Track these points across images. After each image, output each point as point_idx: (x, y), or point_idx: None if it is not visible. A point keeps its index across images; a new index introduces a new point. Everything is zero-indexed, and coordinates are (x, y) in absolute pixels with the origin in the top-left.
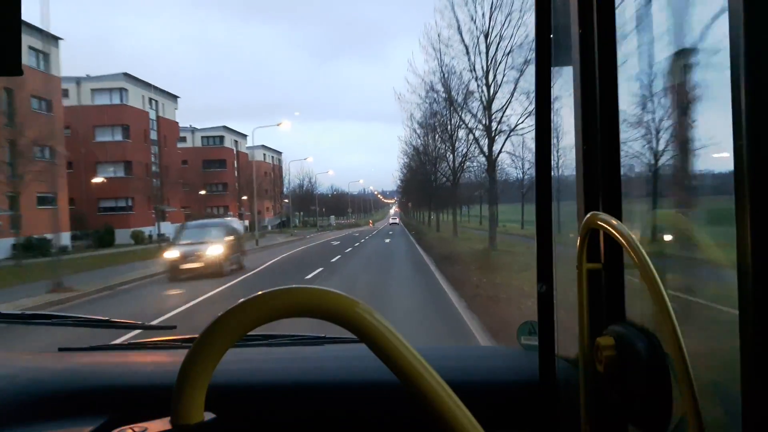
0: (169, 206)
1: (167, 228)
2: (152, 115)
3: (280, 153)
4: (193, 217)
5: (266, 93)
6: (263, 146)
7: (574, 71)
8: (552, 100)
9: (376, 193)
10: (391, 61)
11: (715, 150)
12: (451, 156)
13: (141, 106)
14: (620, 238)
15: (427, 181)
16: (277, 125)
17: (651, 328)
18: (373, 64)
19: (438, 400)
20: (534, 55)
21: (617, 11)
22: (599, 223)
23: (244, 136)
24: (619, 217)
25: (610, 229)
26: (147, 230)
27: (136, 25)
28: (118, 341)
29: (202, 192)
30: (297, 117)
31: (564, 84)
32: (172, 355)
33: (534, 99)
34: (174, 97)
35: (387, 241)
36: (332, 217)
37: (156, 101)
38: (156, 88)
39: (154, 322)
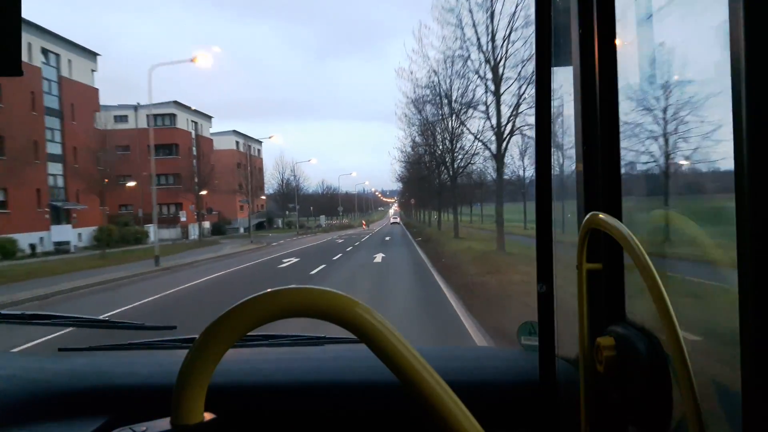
0: (76, 203)
1: (70, 234)
2: (51, 74)
3: (259, 142)
4: (113, 219)
5: (264, 92)
6: (234, 131)
7: (574, 71)
8: (552, 100)
9: (375, 191)
10: (390, 60)
11: (716, 149)
12: (495, 105)
13: (26, 59)
14: (620, 238)
15: (437, 166)
16: (191, 60)
17: (651, 328)
18: (372, 63)
19: (438, 400)
20: (534, 55)
21: (617, 11)
22: (599, 223)
23: (209, 117)
24: (619, 217)
25: (610, 229)
26: (35, 237)
27: (132, 23)
28: (118, 341)
29: (131, 183)
30: (219, 54)
31: (564, 84)
32: (172, 355)
33: (534, 99)
34: (90, 54)
35: (378, 259)
36: (323, 217)
37: (57, 55)
38: (54, 35)
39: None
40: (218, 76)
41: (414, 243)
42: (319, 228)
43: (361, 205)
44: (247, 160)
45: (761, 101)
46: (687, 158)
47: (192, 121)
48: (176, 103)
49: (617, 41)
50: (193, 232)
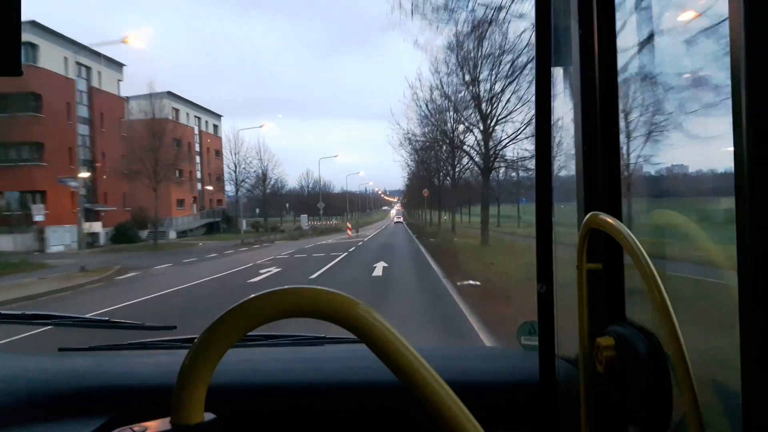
0: None
1: None
2: None
3: (218, 116)
4: None
5: (264, 90)
6: (169, 93)
7: (574, 71)
8: (552, 100)
9: (377, 191)
10: (391, 57)
11: (716, 149)
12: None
13: None
14: (620, 238)
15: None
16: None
17: (651, 328)
18: (373, 61)
19: (438, 400)
20: (534, 55)
21: (617, 11)
22: (599, 223)
23: (116, 65)
24: (619, 217)
25: (610, 229)
26: None
27: (129, 16)
28: (118, 341)
29: None
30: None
31: (564, 84)
32: (172, 355)
33: (534, 99)
34: None
35: None
36: (304, 217)
37: None
38: None
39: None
40: (218, 72)
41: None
42: (298, 231)
43: (364, 204)
44: (197, 140)
45: (761, 101)
46: (687, 158)
47: (77, 63)
48: (36, 25)
49: (617, 41)
50: (67, 238)
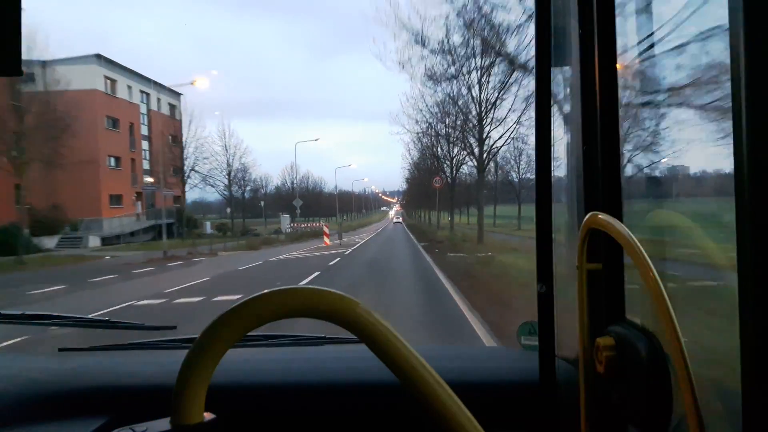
0: None
1: None
2: None
3: (176, 95)
4: None
5: (263, 91)
6: (98, 56)
7: (574, 71)
8: (552, 100)
9: (375, 190)
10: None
11: (716, 150)
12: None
13: None
14: (620, 238)
15: None
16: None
17: (651, 328)
18: (374, 63)
19: (438, 400)
20: (534, 55)
21: (617, 11)
22: (599, 223)
23: None
24: (619, 217)
25: (610, 229)
26: None
27: (129, 17)
28: (118, 341)
29: None
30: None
31: (564, 84)
32: (172, 355)
33: (534, 99)
34: None
35: None
36: (286, 217)
37: None
38: None
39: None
40: (215, 71)
41: None
42: (260, 238)
43: (361, 204)
44: (145, 121)
45: (761, 101)
46: (688, 158)
47: None
48: None
49: (617, 41)
50: None
